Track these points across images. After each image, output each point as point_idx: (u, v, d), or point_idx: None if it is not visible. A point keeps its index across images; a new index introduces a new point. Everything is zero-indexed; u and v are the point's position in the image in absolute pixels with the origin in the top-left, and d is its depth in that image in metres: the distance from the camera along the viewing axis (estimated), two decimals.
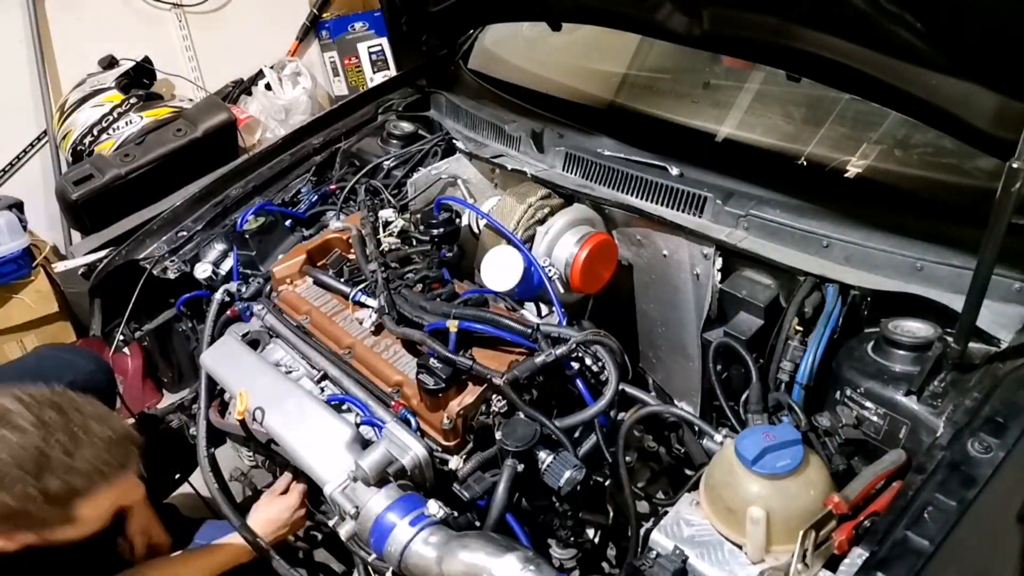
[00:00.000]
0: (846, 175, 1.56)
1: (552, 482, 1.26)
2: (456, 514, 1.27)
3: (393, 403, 1.44)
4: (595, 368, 1.39)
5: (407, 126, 2.24)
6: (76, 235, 3.01)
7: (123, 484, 1.22)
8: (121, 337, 1.91)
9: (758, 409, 1.34)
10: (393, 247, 1.78)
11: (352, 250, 1.78)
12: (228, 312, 1.79)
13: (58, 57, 3.16)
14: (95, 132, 2.96)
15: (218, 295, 1.81)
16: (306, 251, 1.79)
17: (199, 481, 1.70)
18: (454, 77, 2.31)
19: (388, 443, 1.30)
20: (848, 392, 1.27)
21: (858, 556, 0.98)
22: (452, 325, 1.39)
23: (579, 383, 1.38)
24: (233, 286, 1.84)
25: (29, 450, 1.10)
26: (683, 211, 1.56)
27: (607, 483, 1.40)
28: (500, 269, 1.55)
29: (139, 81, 3.17)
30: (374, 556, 1.23)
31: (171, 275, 1.91)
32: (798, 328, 1.37)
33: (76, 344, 1.99)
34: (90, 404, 1.21)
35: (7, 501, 1.10)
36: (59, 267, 2.47)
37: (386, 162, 2.14)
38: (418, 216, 1.86)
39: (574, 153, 1.79)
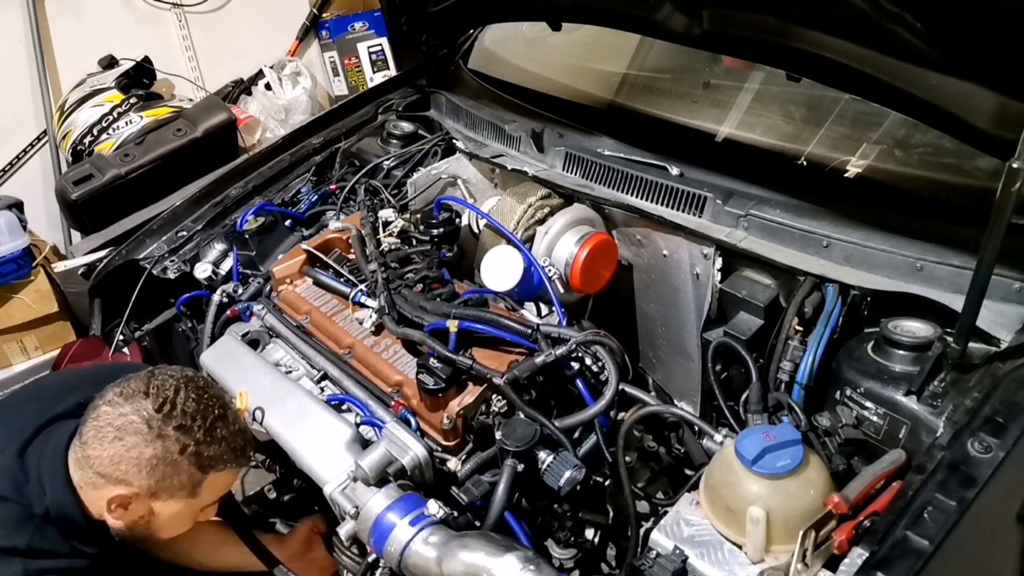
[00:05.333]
0: (846, 175, 1.56)
1: (552, 482, 1.26)
2: (456, 514, 1.27)
3: (393, 403, 1.44)
4: (595, 368, 1.39)
5: (407, 126, 2.24)
6: (76, 235, 3.01)
7: (238, 474, 1.35)
8: (121, 337, 1.91)
9: (758, 409, 1.34)
10: (393, 247, 1.78)
11: (352, 250, 1.78)
12: (228, 312, 1.80)
13: (58, 57, 3.15)
14: (95, 132, 2.95)
15: (216, 296, 1.81)
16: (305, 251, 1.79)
17: None
18: (454, 77, 2.31)
19: (388, 443, 1.30)
20: (848, 392, 1.27)
21: (858, 556, 0.98)
22: (452, 325, 1.39)
23: (579, 383, 1.38)
24: (231, 287, 1.84)
25: (201, 409, 1.24)
26: (683, 211, 1.56)
27: (607, 483, 1.40)
28: (500, 269, 1.55)
29: (139, 81, 3.17)
30: (374, 556, 1.23)
31: (171, 275, 1.91)
32: (798, 328, 1.37)
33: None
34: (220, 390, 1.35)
35: (170, 451, 1.21)
36: (59, 267, 2.47)
37: (386, 162, 2.14)
38: (418, 216, 1.86)
39: (574, 153, 1.79)
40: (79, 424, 1.26)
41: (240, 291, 1.84)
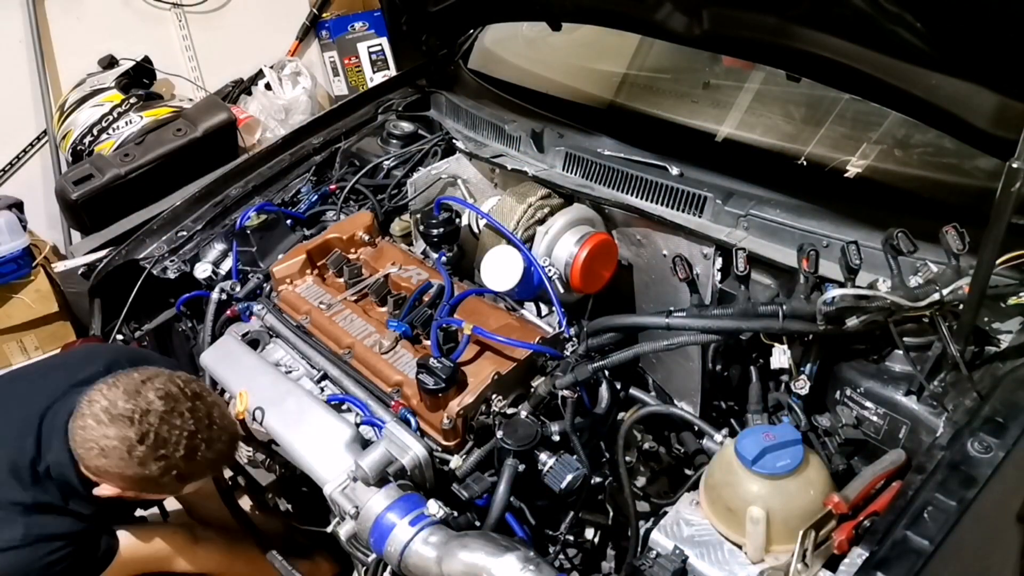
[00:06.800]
0: (846, 175, 1.56)
1: (553, 484, 1.26)
2: (456, 514, 1.27)
3: (393, 403, 1.44)
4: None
5: (407, 126, 2.24)
6: (76, 235, 3.01)
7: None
8: (120, 337, 1.91)
9: (758, 409, 1.34)
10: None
11: (353, 251, 1.79)
12: (228, 312, 1.79)
13: (58, 57, 3.16)
14: (95, 132, 2.95)
15: (215, 294, 1.81)
16: (306, 251, 1.79)
17: None
18: (454, 77, 2.31)
19: (388, 443, 1.30)
20: (848, 392, 1.27)
21: (858, 556, 0.98)
22: (467, 327, 1.39)
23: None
24: (228, 284, 1.84)
25: (184, 436, 1.27)
26: (683, 211, 1.56)
27: (607, 483, 1.40)
28: (500, 269, 1.55)
29: (139, 81, 3.17)
30: (374, 556, 1.23)
31: (171, 275, 1.91)
32: None
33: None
34: (218, 396, 1.39)
35: (151, 473, 1.26)
36: (59, 267, 2.47)
37: (386, 162, 2.14)
38: (418, 216, 1.86)
39: (574, 153, 1.79)
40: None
41: (238, 289, 1.83)
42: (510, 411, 1.35)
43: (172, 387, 1.29)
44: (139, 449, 1.24)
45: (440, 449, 1.36)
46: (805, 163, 1.61)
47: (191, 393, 1.31)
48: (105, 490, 1.32)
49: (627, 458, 1.40)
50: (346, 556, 1.54)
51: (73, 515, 1.35)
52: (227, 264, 1.92)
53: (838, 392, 1.29)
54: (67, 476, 1.32)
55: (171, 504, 1.83)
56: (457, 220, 1.77)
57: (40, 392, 1.41)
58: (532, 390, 1.38)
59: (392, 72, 3.69)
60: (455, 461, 1.34)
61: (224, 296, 1.81)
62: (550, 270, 1.61)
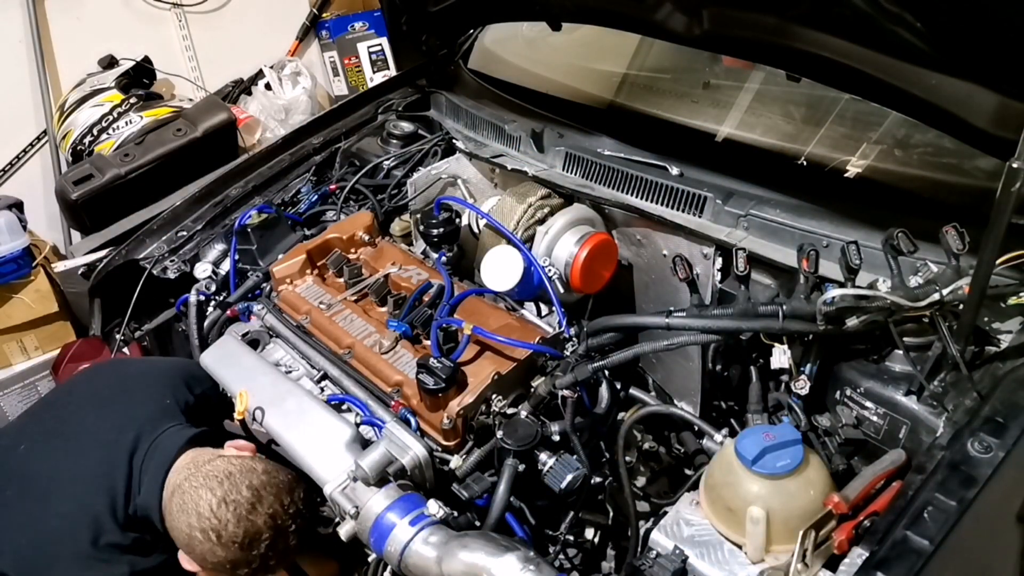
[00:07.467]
0: (846, 175, 1.56)
1: (553, 484, 1.26)
2: (456, 514, 1.27)
3: (393, 403, 1.44)
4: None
5: (407, 126, 2.24)
6: (76, 235, 3.01)
7: None
8: (121, 337, 1.91)
9: (758, 409, 1.34)
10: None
11: (353, 251, 1.79)
12: (228, 312, 1.79)
13: (58, 57, 3.15)
14: (95, 132, 2.95)
15: (192, 297, 1.80)
16: (306, 251, 1.79)
17: None
18: (454, 77, 2.31)
19: (388, 443, 1.30)
20: (848, 392, 1.27)
21: (858, 556, 0.98)
22: (467, 327, 1.39)
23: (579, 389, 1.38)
24: (204, 284, 1.83)
25: (288, 553, 1.34)
26: (683, 211, 1.56)
27: (607, 483, 1.40)
28: (500, 269, 1.55)
29: (139, 81, 3.17)
30: (374, 556, 1.23)
31: (171, 275, 1.91)
32: None
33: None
34: (306, 488, 1.40)
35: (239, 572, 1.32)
36: (59, 267, 2.47)
37: (386, 162, 2.14)
38: (418, 216, 1.86)
39: (574, 153, 1.79)
40: (175, 484, 1.35)
41: (213, 288, 1.83)
42: (510, 411, 1.35)
43: (278, 508, 1.32)
44: (243, 569, 1.31)
45: (440, 449, 1.36)
46: (805, 163, 1.61)
47: (294, 511, 1.35)
48: (189, 565, 1.36)
49: (627, 458, 1.40)
50: (345, 554, 1.54)
51: (159, 550, 1.41)
52: (227, 264, 1.92)
53: (838, 392, 1.29)
54: (153, 519, 1.37)
55: None
56: (457, 220, 1.77)
57: (114, 428, 1.44)
58: (532, 390, 1.38)
59: (392, 72, 3.68)
60: (455, 461, 1.34)
61: (202, 297, 1.81)
62: (550, 270, 1.61)
